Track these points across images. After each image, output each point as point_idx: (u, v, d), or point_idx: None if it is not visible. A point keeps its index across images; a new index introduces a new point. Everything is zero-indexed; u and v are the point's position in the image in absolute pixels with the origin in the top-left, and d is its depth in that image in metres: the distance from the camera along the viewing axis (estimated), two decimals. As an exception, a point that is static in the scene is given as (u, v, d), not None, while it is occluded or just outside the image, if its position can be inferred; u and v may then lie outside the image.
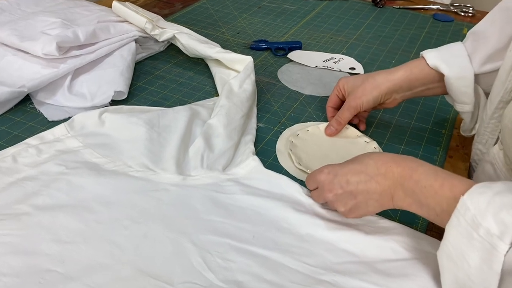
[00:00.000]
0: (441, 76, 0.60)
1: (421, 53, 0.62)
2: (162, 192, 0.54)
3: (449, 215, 0.40)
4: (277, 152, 0.62)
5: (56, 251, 0.46)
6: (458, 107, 0.62)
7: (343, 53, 0.89)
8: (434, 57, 0.60)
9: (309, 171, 0.56)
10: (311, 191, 0.53)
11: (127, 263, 0.45)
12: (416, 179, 0.43)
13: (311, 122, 0.68)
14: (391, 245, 0.49)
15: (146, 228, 0.49)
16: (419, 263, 0.47)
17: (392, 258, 0.48)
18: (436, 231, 0.52)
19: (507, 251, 0.35)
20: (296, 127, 0.67)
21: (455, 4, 1.13)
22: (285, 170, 0.59)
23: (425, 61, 0.60)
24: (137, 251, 0.47)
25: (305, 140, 0.64)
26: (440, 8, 1.11)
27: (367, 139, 0.64)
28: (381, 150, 0.63)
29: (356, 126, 0.66)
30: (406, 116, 0.71)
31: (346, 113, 0.63)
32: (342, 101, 0.66)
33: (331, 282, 0.44)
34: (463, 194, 0.39)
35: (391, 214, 0.54)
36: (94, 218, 0.50)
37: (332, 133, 0.64)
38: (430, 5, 1.13)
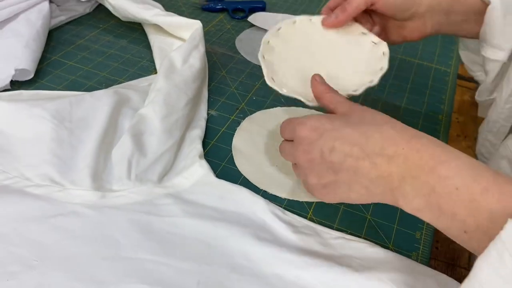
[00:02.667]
0: (484, 8, 0.44)
1: None
2: (70, 218, 0.38)
3: (486, 237, 0.26)
4: (233, 151, 0.47)
5: None
6: (489, 53, 0.47)
7: (317, 15, 0.73)
8: None
9: (284, 91, 0.41)
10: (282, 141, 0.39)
11: None
12: (443, 175, 0.29)
13: (278, 108, 0.53)
14: (387, 286, 0.36)
15: (42, 275, 0.34)
16: (425, 312, 0.34)
17: (390, 307, 0.35)
18: (442, 260, 0.40)
19: None
20: (259, 115, 0.52)
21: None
22: (245, 177, 0.44)
23: None
24: (27, 316, 0.32)
25: (287, 41, 0.45)
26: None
27: (374, 38, 0.45)
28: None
29: None
30: (395, 97, 0.57)
31: (353, 2, 0.44)
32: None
33: None
34: None
35: (383, 237, 0.41)
36: (-32, 262, 0.34)
37: (332, 23, 0.45)
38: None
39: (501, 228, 0.25)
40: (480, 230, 0.28)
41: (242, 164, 0.46)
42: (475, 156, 0.51)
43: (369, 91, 0.42)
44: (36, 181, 0.41)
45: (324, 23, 0.46)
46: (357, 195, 0.34)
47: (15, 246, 0.36)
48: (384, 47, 0.44)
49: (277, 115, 0.52)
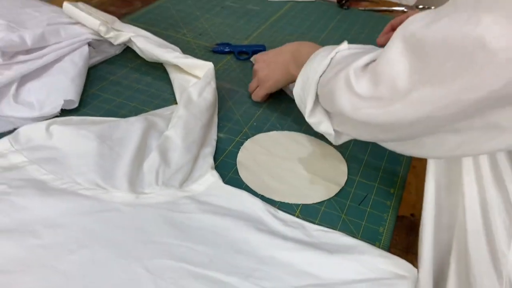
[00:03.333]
0: None
1: None
2: (113, 212, 0.50)
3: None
4: (238, 165, 0.59)
5: (-6, 282, 0.42)
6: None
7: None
8: None
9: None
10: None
11: (72, 294, 0.42)
12: (303, 52, 0.61)
13: (274, 131, 0.66)
14: (354, 265, 0.47)
15: (94, 253, 0.46)
16: (382, 284, 0.45)
17: (356, 279, 0.46)
18: (399, 248, 0.51)
19: (340, 50, 0.52)
20: (259, 137, 0.64)
21: (419, 6, 1.12)
22: (246, 184, 0.56)
23: None
24: (85, 280, 0.43)
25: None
26: (405, 10, 1.11)
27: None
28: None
29: None
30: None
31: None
32: None
33: (291, 309, 0.42)
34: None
35: (353, 231, 0.52)
36: (38, 243, 0.46)
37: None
38: (395, 6, 1.12)
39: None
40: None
41: (245, 175, 0.58)
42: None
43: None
44: (86, 185, 0.53)
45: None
46: (278, 75, 0.67)
47: (72, 231, 0.48)
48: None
49: (274, 137, 0.65)
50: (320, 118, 0.54)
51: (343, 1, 1.08)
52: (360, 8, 1.09)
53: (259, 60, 0.70)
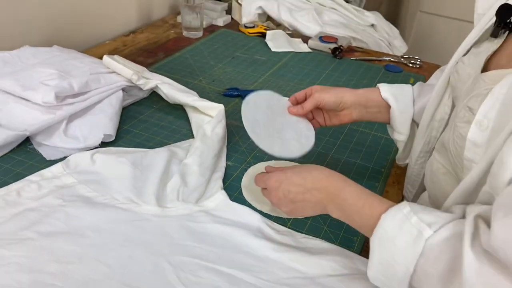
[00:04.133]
0: (389, 106, 0.72)
1: (378, 85, 0.74)
2: (144, 221, 0.65)
3: (368, 228, 0.51)
4: (242, 188, 0.74)
5: (56, 269, 0.56)
6: (396, 136, 0.75)
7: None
8: (386, 90, 0.73)
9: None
10: (262, 188, 0.67)
11: (114, 279, 0.56)
12: (344, 198, 0.56)
13: (272, 161, 0.80)
14: (331, 263, 0.60)
15: (130, 251, 0.60)
16: (352, 277, 0.58)
17: (331, 273, 0.59)
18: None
19: (430, 236, 0.45)
20: (259, 165, 0.79)
21: (405, 56, 1.29)
22: (248, 202, 0.71)
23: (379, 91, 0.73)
24: (123, 270, 0.57)
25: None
26: (392, 59, 1.27)
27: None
28: None
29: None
30: (353, 156, 0.84)
31: (308, 103, 0.73)
32: (304, 100, 0.75)
33: (280, 293, 0.56)
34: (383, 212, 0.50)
35: (332, 239, 0.65)
36: (87, 242, 0.60)
37: (294, 112, 0.74)
38: (383, 56, 1.29)
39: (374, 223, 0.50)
40: (364, 226, 0.53)
41: (247, 194, 0.72)
42: (403, 197, 0.77)
43: (334, 154, 0.69)
44: (122, 201, 0.67)
45: (289, 110, 0.74)
46: (309, 213, 0.62)
47: (113, 234, 0.62)
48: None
49: (271, 165, 0.79)
50: None
51: (337, 52, 1.24)
52: (352, 58, 1.26)
53: (275, 188, 0.62)
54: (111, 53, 1.12)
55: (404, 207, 0.49)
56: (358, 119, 0.75)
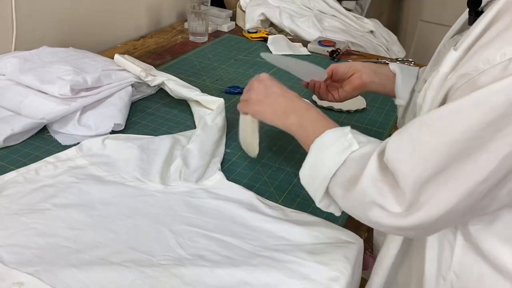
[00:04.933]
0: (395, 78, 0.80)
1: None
2: (148, 196, 0.72)
3: (314, 138, 0.59)
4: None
5: (69, 234, 0.63)
6: (396, 101, 0.81)
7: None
8: (395, 65, 0.82)
9: None
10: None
11: (121, 243, 0.63)
12: (310, 113, 0.65)
13: (268, 149, 0.87)
14: (316, 233, 0.66)
15: (135, 221, 0.67)
16: (334, 246, 0.65)
17: (315, 242, 0.65)
18: (352, 226, 0.70)
19: (355, 150, 0.55)
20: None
21: (399, 59, 1.35)
22: (244, 182, 0.77)
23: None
24: (129, 235, 0.64)
25: None
26: (386, 62, 1.34)
27: None
28: None
29: None
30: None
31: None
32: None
33: (268, 256, 0.62)
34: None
35: (318, 214, 0.72)
36: (97, 213, 0.67)
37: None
38: (378, 59, 1.35)
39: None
40: (311, 135, 0.60)
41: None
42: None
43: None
44: (130, 179, 0.74)
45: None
46: (273, 105, 0.68)
47: (120, 207, 0.69)
48: None
49: (267, 153, 0.86)
50: (328, 202, 0.60)
51: (334, 55, 1.31)
52: (349, 60, 1.33)
53: (260, 81, 0.71)
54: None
55: (346, 128, 0.59)
56: (368, 84, 0.82)
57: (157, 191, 0.73)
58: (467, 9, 0.63)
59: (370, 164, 0.51)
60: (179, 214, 0.69)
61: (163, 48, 1.32)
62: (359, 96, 1.07)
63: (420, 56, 2.19)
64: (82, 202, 0.69)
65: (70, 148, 0.80)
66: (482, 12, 0.60)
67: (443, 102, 0.51)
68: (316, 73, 0.85)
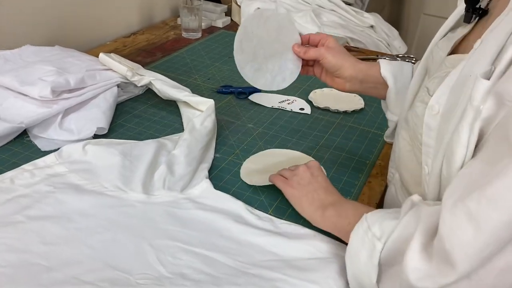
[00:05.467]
0: (386, 84, 0.73)
1: (378, 60, 0.75)
2: (129, 207, 0.67)
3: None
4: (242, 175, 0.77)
5: (43, 250, 0.59)
6: (388, 115, 0.76)
7: (296, 96, 1.05)
8: (386, 69, 0.74)
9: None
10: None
11: (97, 259, 0.58)
12: (345, 207, 0.62)
13: (260, 152, 0.82)
14: (308, 247, 0.62)
15: (114, 234, 0.62)
16: (327, 261, 0.60)
17: (307, 257, 0.61)
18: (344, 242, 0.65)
19: (382, 249, 0.49)
20: (253, 157, 0.81)
21: (400, 55, 1.30)
22: (233, 190, 0.73)
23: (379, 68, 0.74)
24: (106, 251, 0.60)
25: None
26: (388, 58, 1.28)
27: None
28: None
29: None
30: (339, 149, 0.86)
31: (312, 52, 0.73)
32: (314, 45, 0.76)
33: (255, 274, 0.57)
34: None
35: (311, 226, 0.67)
36: (74, 226, 0.63)
37: (296, 51, 0.74)
38: (378, 55, 1.30)
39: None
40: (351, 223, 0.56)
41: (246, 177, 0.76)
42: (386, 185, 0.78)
43: (321, 147, 0.71)
44: (110, 188, 0.70)
45: (293, 48, 0.75)
46: (309, 197, 0.66)
47: (99, 219, 0.64)
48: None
49: (265, 154, 0.81)
50: None
51: (332, 51, 1.26)
52: (348, 57, 1.28)
53: (308, 168, 0.70)
54: (111, 53, 1.16)
55: (362, 223, 0.53)
56: (350, 92, 0.76)
57: (138, 201, 0.68)
58: (463, 5, 0.58)
59: (409, 263, 0.44)
60: (161, 227, 0.64)
61: (154, 45, 1.27)
62: (357, 96, 1.03)
63: (422, 52, 2.12)
64: (58, 213, 0.65)
65: (49, 155, 0.76)
66: (481, 9, 0.55)
67: (480, 137, 0.44)
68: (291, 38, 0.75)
